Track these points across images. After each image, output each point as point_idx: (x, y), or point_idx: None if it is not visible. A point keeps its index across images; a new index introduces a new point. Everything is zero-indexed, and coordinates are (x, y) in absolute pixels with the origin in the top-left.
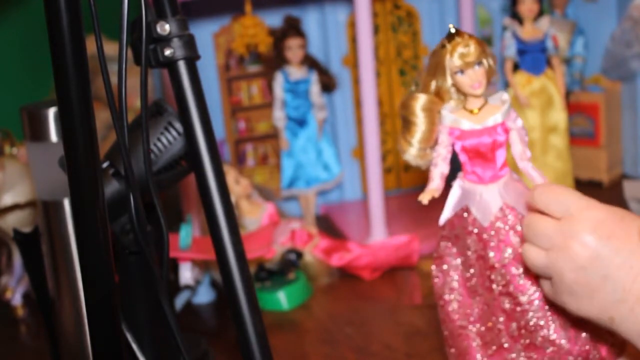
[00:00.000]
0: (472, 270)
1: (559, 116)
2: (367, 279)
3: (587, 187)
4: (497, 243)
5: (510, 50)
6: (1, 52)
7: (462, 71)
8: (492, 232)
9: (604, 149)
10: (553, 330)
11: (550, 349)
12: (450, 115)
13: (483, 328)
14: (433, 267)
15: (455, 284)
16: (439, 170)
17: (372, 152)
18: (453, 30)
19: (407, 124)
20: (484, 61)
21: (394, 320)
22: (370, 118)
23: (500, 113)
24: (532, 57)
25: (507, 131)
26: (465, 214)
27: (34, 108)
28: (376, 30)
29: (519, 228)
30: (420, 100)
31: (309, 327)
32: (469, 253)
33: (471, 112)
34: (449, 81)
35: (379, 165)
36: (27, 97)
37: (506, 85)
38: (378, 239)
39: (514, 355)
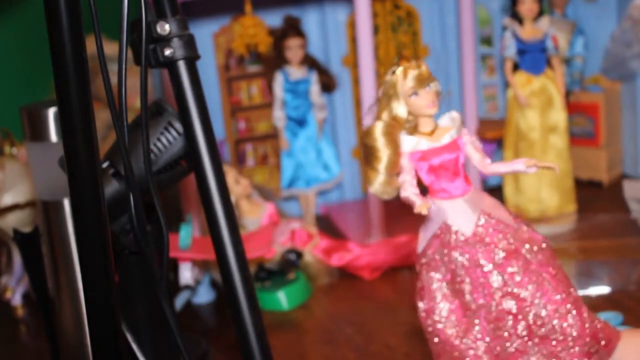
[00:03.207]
0: (463, 285)
1: (559, 116)
2: (367, 279)
3: (587, 187)
4: (485, 248)
5: (510, 50)
6: (1, 52)
7: (415, 93)
8: (477, 239)
9: (604, 149)
10: (560, 320)
11: (562, 337)
12: (410, 138)
13: (489, 340)
14: (419, 302)
15: (447, 311)
16: (414, 191)
17: None
18: (402, 57)
19: (372, 151)
20: (432, 84)
21: (394, 320)
22: None
23: (454, 129)
24: (532, 57)
25: (462, 146)
26: (444, 232)
27: (34, 108)
28: (376, 30)
29: (501, 229)
30: (379, 126)
31: (309, 327)
32: (457, 267)
33: (426, 134)
34: (404, 107)
35: None
36: (27, 97)
37: (506, 85)
38: (378, 239)
39: (529, 358)
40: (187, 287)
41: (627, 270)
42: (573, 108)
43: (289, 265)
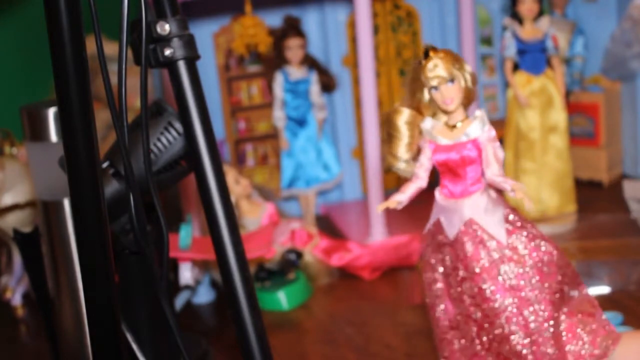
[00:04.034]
0: (451, 279)
1: (559, 116)
2: (367, 279)
3: (587, 187)
4: (463, 256)
5: (510, 50)
6: (1, 52)
7: (435, 88)
8: (459, 246)
9: (604, 149)
10: (520, 343)
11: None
12: (429, 129)
13: (461, 333)
14: (423, 271)
15: (440, 289)
16: (417, 184)
17: (372, 152)
18: (428, 49)
19: (390, 138)
20: (458, 79)
21: (394, 320)
22: (370, 118)
23: (470, 128)
24: (532, 57)
25: (478, 147)
26: (438, 227)
27: (34, 108)
28: (376, 30)
29: (486, 242)
30: (404, 115)
31: (309, 327)
32: (447, 263)
33: (451, 127)
34: (427, 96)
35: (378, 165)
36: (27, 97)
37: (506, 85)
38: (378, 239)
39: None
40: (187, 287)
41: (627, 270)
42: (573, 108)
43: (289, 265)
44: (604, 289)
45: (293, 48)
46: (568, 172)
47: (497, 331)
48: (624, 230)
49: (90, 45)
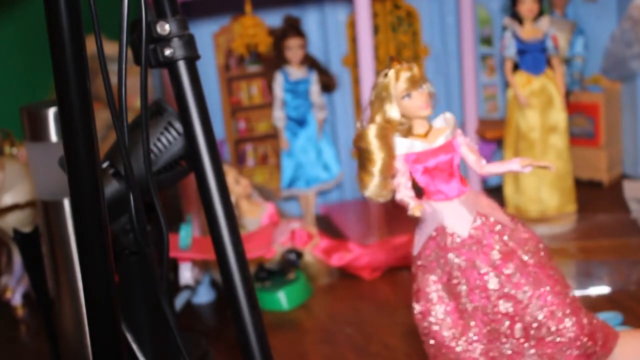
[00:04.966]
0: (459, 287)
1: (559, 116)
2: (367, 279)
3: (587, 187)
4: (481, 249)
5: (510, 50)
6: (1, 52)
7: (408, 95)
8: (473, 241)
9: (604, 149)
10: (557, 321)
11: (559, 339)
12: (403, 140)
13: (485, 342)
14: (414, 304)
15: (443, 314)
16: (408, 194)
17: None
18: (393, 60)
19: (366, 155)
20: (425, 86)
21: (394, 320)
22: None
23: (448, 130)
24: (532, 57)
25: (457, 147)
26: (440, 234)
27: (34, 108)
28: (376, 30)
29: (497, 230)
30: (373, 129)
31: (309, 327)
32: (454, 269)
33: (420, 136)
34: (397, 110)
35: None
36: (27, 97)
37: (506, 85)
38: (378, 239)
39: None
40: (187, 287)
41: (627, 270)
42: (573, 108)
43: (289, 265)
44: (604, 289)
45: (293, 48)
46: (568, 172)
47: (532, 316)
48: (624, 230)
49: (90, 45)
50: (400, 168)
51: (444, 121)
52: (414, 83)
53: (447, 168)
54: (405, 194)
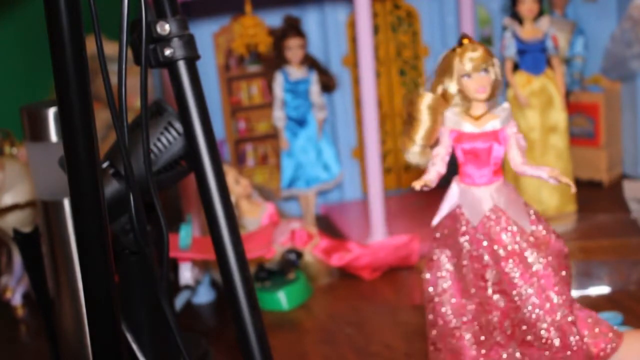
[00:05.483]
0: (465, 270)
1: (559, 116)
2: (367, 279)
3: (587, 187)
4: (489, 243)
5: (510, 50)
6: (1, 52)
7: (469, 75)
8: (484, 232)
9: (604, 149)
10: (545, 328)
11: (543, 346)
12: (453, 117)
13: (477, 327)
14: (425, 270)
15: (447, 287)
16: (436, 168)
17: (372, 152)
18: (464, 37)
19: (411, 120)
20: (491, 69)
21: (394, 320)
22: (370, 118)
23: (498, 120)
24: (532, 57)
25: (504, 138)
26: (458, 215)
27: (34, 108)
28: (376, 30)
29: (510, 229)
30: (427, 99)
31: (309, 327)
32: (463, 252)
33: (474, 118)
34: (455, 86)
35: (379, 165)
36: (27, 97)
37: (506, 85)
38: (378, 239)
39: (510, 350)
40: (187, 287)
41: (627, 270)
42: (573, 108)
43: (289, 265)
44: (604, 289)
45: (293, 48)
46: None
47: (522, 317)
48: (624, 230)
49: (90, 45)
50: (444, 141)
51: (501, 110)
52: (477, 65)
53: (482, 155)
54: (432, 168)
